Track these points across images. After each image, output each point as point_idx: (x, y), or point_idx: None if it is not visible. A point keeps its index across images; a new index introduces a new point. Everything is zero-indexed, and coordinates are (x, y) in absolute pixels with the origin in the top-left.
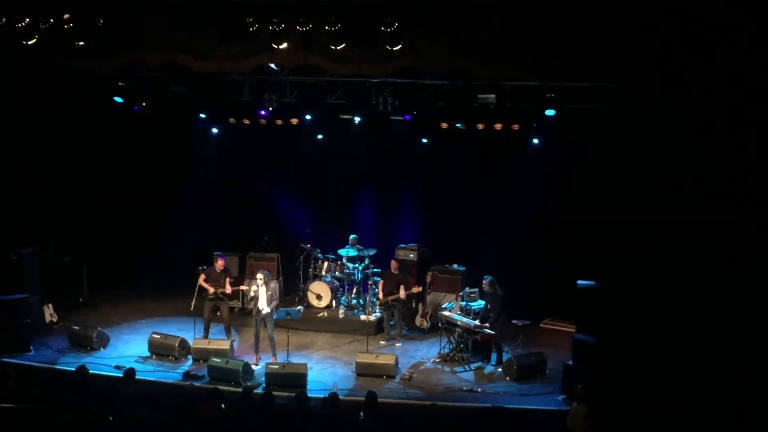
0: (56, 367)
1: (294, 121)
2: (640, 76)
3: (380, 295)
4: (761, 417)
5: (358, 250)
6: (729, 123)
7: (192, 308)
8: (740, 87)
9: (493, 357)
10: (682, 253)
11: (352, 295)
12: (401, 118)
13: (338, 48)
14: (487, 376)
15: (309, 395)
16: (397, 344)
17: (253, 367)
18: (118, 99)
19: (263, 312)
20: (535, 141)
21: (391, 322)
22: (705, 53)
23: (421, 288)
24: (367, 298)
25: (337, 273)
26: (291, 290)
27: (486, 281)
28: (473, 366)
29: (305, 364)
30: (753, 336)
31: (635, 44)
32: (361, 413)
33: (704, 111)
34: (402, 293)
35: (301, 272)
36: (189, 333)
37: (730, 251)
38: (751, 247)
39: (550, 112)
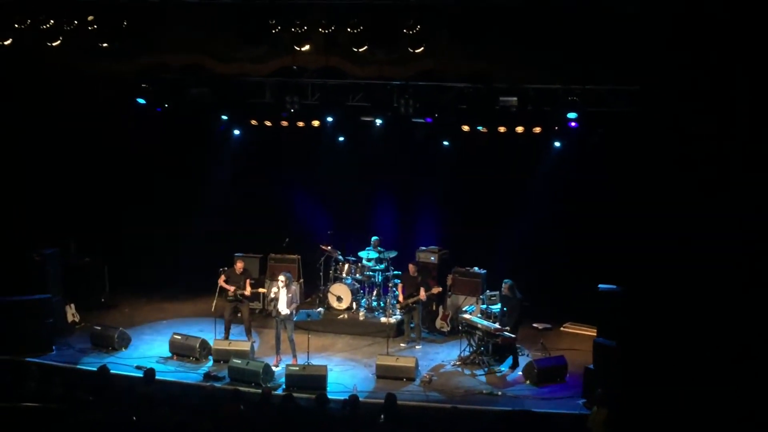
0: (78, 367)
1: (315, 123)
2: (660, 79)
3: (400, 298)
4: None
5: (379, 252)
6: (752, 126)
7: (213, 309)
8: (764, 90)
9: (509, 360)
10: (705, 258)
11: (373, 298)
12: (422, 120)
13: (360, 50)
14: (507, 380)
15: (329, 397)
16: (417, 347)
17: (274, 368)
18: (141, 101)
19: (283, 314)
20: (557, 144)
21: (411, 325)
22: (727, 56)
23: (441, 288)
24: (388, 301)
25: (357, 275)
26: (311, 292)
27: (505, 285)
28: (493, 369)
29: (325, 366)
30: None
31: (656, 47)
32: (381, 416)
33: (726, 114)
34: (422, 295)
35: (321, 274)
36: (210, 334)
37: (753, 257)
38: None
39: (571, 115)
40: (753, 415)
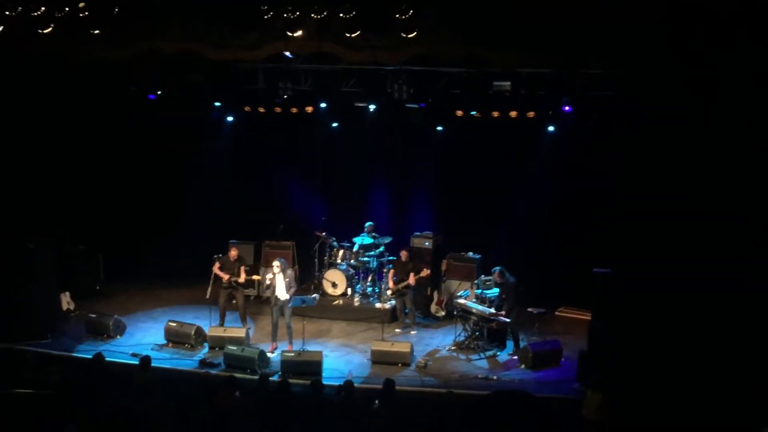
0: (73, 354)
1: (309, 109)
2: (654, 63)
3: (390, 284)
4: None
5: (374, 237)
6: (745, 113)
7: (208, 296)
8: (759, 75)
9: (510, 345)
10: (699, 242)
11: (368, 283)
12: (416, 105)
13: (353, 36)
14: (502, 364)
15: (324, 383)
16: (412, 332)
17: (269, 354)
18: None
19: (282, 299)
20: (551, 129)
21: (405, 311)
22: (722, 41)
23: (429, 271)
24: (383, 286)
25: (352, 261)
26: (306, 278)
27: (495, 272)
28: (488, 354)
29: (321, 352)
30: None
31: (650, 31)
32: (376, 401)
33: (720, 100)
34: (411, 280)
35: (316, 260)
36: (205, 321)
37: (746, 241)
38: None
39: (565, 100)
40: (748, 400)
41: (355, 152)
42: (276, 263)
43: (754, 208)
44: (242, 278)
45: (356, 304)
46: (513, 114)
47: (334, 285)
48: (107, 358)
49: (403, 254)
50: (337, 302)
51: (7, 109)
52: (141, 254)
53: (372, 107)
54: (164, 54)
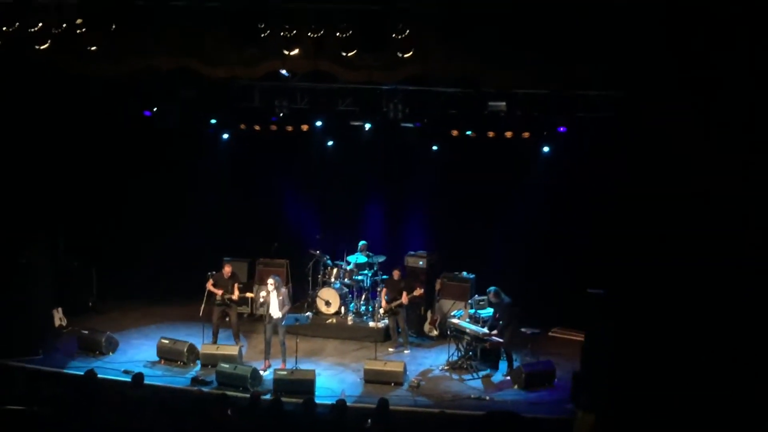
0: (65, 371)
1: (304, 127)
2: (649, 83)
3: (383, 303)
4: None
5: (368, 256)
6: (740, 130)
7: (201, 314)
8: (755, 93)
9: (503, 365)
10: (693, 263)
11: (361, 302)
12: (412, 125)
13: (349, 55)
14: (495, 385)
15: (317, 402)
16: (405, 351)
17: (262, 372)
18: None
19: (275, 317)
20: (546, 149)
21: (398, 330)
22: (723, 41)
23: (423, 290)
24: (376, 305)
25: (346, 279)
26: (300, 296)
27: (490, 293)
28: (482, 374)
29: (314, 371)
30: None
31: (646, 51)
32: (369, 420)
33: (714, 119)
34: (404, 298)
35: (310, 278)
36: (198, 338)
37: (740, 260)
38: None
39: (560, 121)
40: (742, 419)
41: (350, 171)
42: (270, 280)
43: (755, 216)
44: (236, 295)
45: (350, 322)
46: (508, 134)
47: (327, 303)
48: (99, 375)
49: (396, 273)
50: (330, 321)
51: (2, 120)
52: (134, 270)
53: (367, 126)
54: (161, 70)
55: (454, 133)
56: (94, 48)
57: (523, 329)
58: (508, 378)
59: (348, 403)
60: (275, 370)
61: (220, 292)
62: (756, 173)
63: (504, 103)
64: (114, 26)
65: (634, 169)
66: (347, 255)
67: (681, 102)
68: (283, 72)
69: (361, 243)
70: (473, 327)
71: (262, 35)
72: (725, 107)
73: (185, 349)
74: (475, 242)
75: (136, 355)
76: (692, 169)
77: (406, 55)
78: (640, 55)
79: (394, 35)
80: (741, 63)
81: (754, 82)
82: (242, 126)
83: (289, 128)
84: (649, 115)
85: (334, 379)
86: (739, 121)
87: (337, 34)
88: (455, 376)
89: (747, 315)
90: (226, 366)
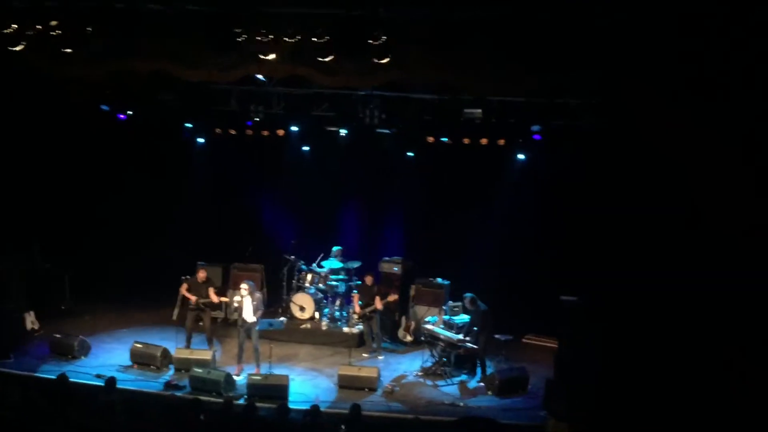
0: (36, 375)
1: (280, 132)
2: (628, 92)
3: (356, 309)
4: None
5: (342, 262)
6: (720, 141)
7: (174, 318)
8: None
9: (479, 372)
10: (669, 270)
11: (336, 307)
12: (387, 131)
13: (326, 60)
14: (469, 390)
15: (290, 407)
16: (379, 357)
17: (235, 377)
18: (105, 107)
19: (249, 322)
20: (521, 156)
21: (372, 335)
22: (700, 69)
23: (397, 296)
24: (350, 311)
25: (320, 285)
26: (274, 301)
27: (466, 299)
28: (456, 380)
29: (287, 376)
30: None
31: (625, 60)
32: (342, 426)
33: (695, 130)
34: (378, 304)
35: (284, 283)
36: (171, 343)
37: (719, 269)
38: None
39: (535, 128)
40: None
41: (325, 176)
42: (244, 286)
43: (734, 220)
44: (214, 298)
45: (324, 328)
46: (484, 141)
47: (301, 309)
48: (71, 379)
49: (368, 278)
50: (304, 326)
51: None
52: (108, 274)
53: (343, 131)
54: (138, 73)
55: (430, 139)
56: (69, 50)
57: (496, 336)
58: (482, 384)
59: (322, 409)
60: (249, 374)
61: (194, 299)
62: (734, 179)
63: (480, 111)
64: (91, 29)
65: (616, 179)
66: (322, 260)
67: (661, 108)
68: (260, 77)
69: (335, 248)
70: (447, 333)
71: (239, 39)
72: (711, 113)
73: (159, 354)
74: (450, 248)
75: (108, 359)
76: (669, 175)
77: (382, 61)
78: (619, 64)
79: (370, 41)
80: (717, 71)
81: (741, 87)
82: (218, 130)
83: (265, 133)
84: (628, 122)
85: (308, 384)
86: (727, 127)
87: (314, 39)
88: (429, 382)
89: (728, 324)
90: (200, 371)
